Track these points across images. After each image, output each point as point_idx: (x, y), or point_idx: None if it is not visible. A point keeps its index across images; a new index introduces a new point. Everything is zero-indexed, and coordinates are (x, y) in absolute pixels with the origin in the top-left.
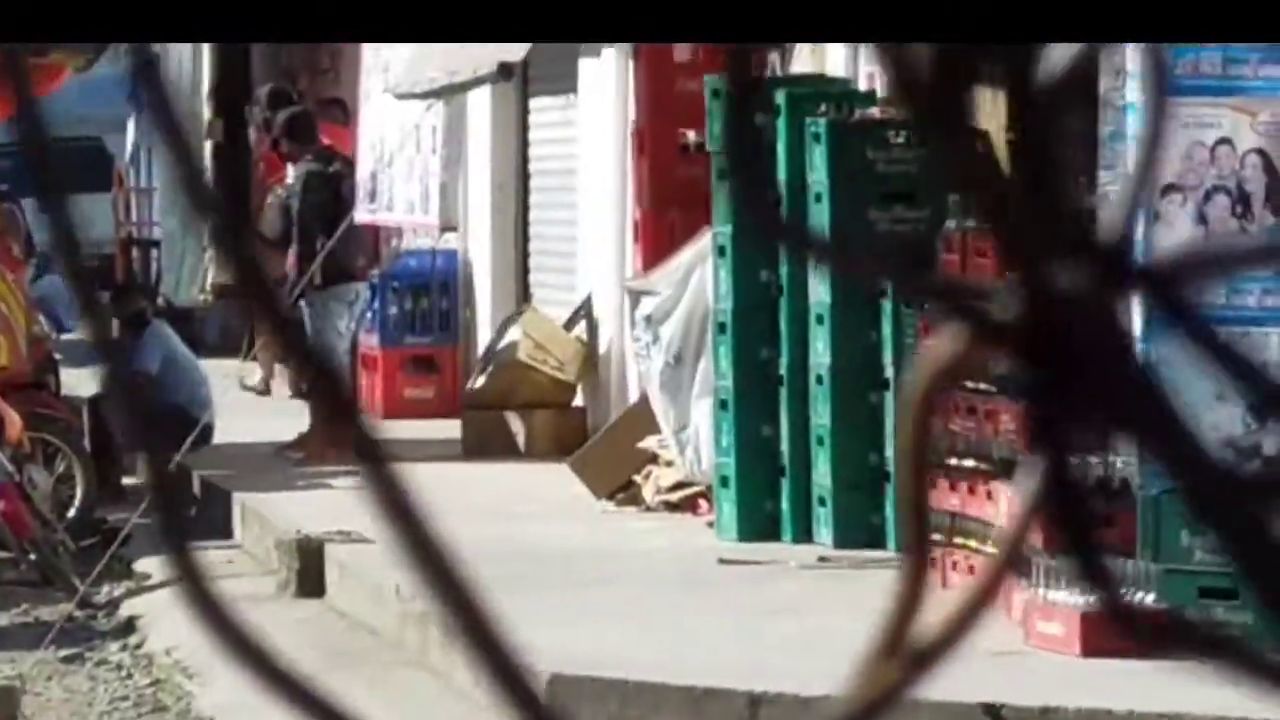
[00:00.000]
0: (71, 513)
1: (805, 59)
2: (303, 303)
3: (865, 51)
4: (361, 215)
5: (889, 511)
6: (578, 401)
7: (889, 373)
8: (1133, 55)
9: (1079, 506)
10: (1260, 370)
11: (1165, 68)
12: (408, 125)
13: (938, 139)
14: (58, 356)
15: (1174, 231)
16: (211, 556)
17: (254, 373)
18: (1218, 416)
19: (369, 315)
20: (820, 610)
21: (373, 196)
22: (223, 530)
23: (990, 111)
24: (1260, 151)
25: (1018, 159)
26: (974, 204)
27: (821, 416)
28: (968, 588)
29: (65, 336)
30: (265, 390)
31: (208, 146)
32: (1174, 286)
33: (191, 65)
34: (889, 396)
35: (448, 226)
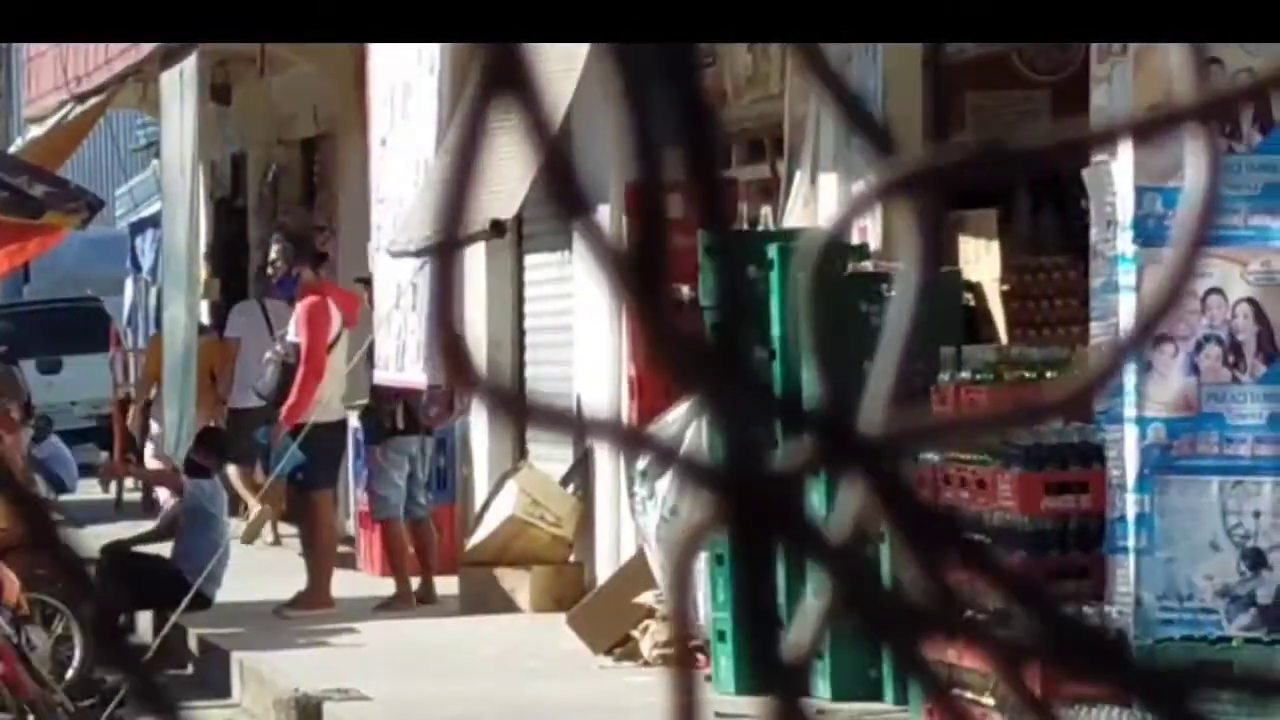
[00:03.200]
0: (70, 673)
1: (798, 213)
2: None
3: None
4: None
5: (886, 666)
6: (574, 557)
7: (884, 526)
8: (1123, 207)
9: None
10: (982, 551)
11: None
12: (404, 284)
13: (644, 320)
14: (57, 518)
15: (1167, 382)
16: (211, 716)
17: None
18: (1212, 565)
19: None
20: None
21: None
22: (222, 689)
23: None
24: (1251, 300)
25: (718, 332)
26: (676, 376)
27: (817, 571)
28: None
29: (65, 497)
30: (275, 541)
31: (204, 305)
32: (887, 457)
33: (188, 231)
34: (884, 549)
35: (435, 386)
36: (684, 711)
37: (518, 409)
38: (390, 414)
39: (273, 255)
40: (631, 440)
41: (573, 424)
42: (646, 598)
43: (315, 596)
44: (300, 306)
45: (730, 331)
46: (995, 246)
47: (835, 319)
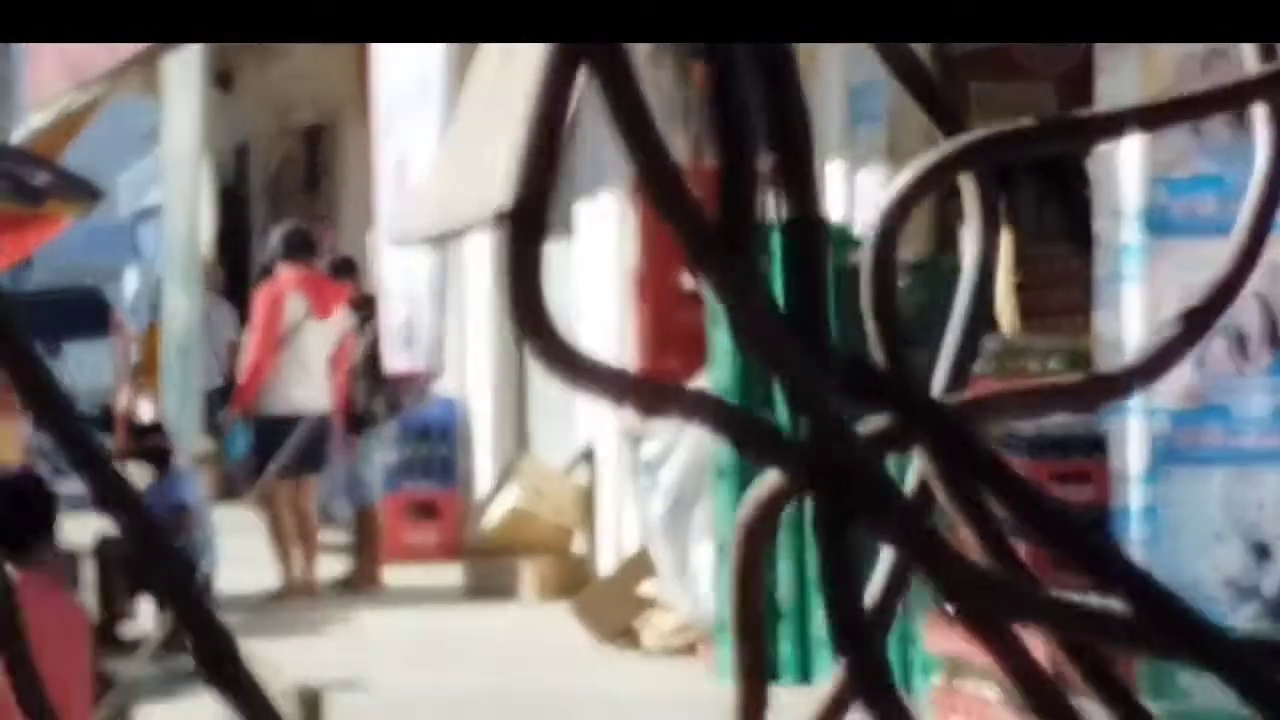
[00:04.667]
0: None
1: None
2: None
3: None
4: (399, 363)
5: (892, 653)
6: (578, 547)
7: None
8: (1128, 197)
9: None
10: (1054, 514)
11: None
12: (411, 272)
13: (725, 297)
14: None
15: (1171, 373)
16: (210, 706)
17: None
18: (1216, 556)
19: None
20: None
21: (408, 344)
22: None
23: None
24: (1257, 292)
25: (789, 306)
26: (755, 352)
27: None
28: None
29: (66, 486)
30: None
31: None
32: (964, 426)
33: (189, 220)
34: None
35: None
36: (752, 685)
37: (621, 388)
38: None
39: (267, 249)
40: (728, 418)
41: (674, 403)
42: (650, 587)
43: (288, 586)
44: (257, 296)
45: (807, 305)
46: (1001, 234)
47: (841, 310)
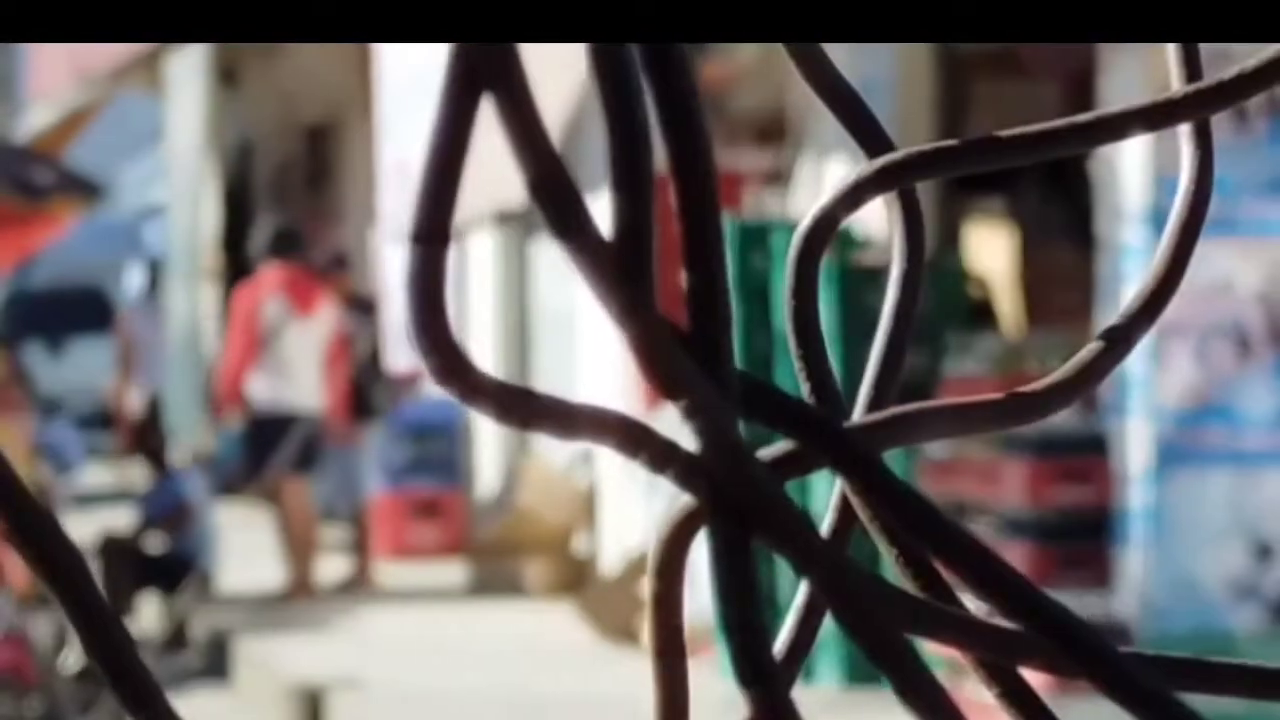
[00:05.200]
0: (71, 660)
1: (805, 202)
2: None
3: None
4: (402, 361)
5: None
6: (580, 545)
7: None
8: (1131, 196)
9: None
10: (954, 534)
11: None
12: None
13: (618, 317)
14: (61, 500)
15: (1175, 372)
16: (212, 703)
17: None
18: (1219, 556)
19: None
20: None
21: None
22: (224, 677)
23: (990, 252)
24: (1260, 291)
25: (695, 324)
26: (651, 376)
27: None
28: None
29: (71, 485)
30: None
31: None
32: (864, 448)
33: (194, 217)
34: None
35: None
36: (671, 703)
37: (523, 410)
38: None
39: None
40: (637, 439)
41: (580, 424)
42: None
43: (293, 586)
44: (235, 297)
45: (707, 323)
46: (1003, 235)
47: (843, 311)
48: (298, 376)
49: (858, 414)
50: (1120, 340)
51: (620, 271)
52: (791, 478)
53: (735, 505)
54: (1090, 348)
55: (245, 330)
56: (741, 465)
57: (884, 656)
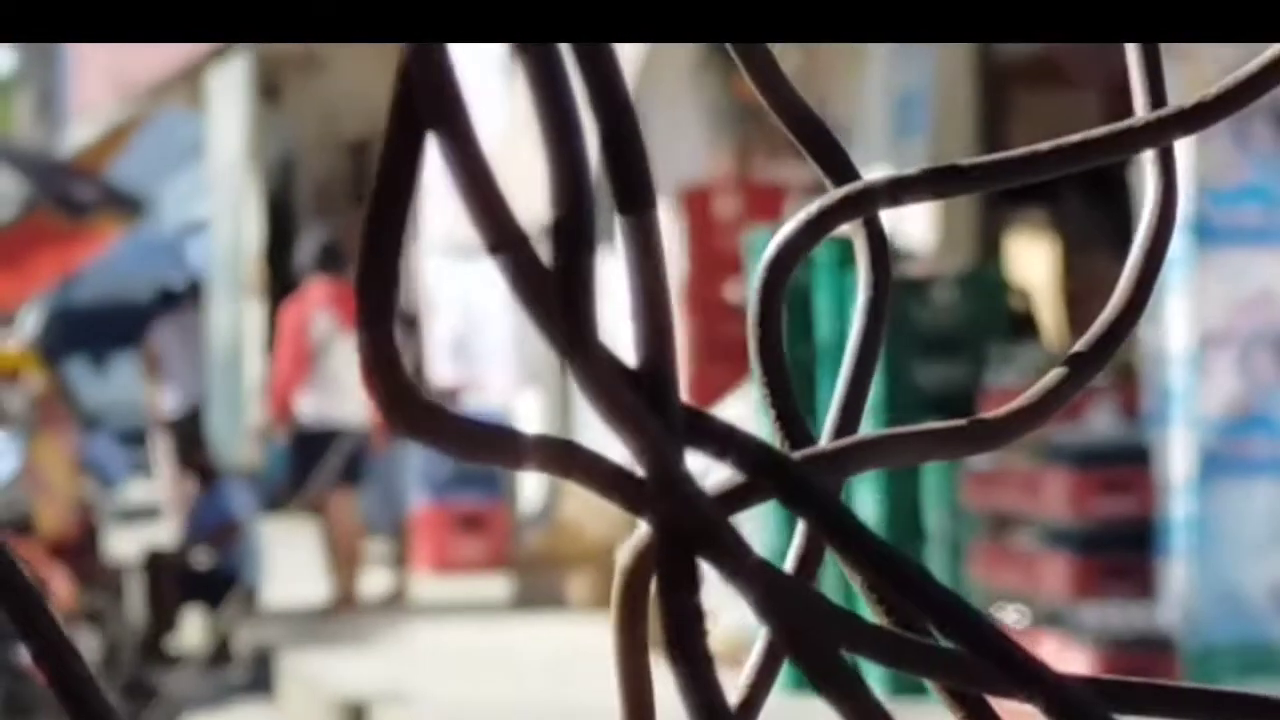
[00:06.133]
0: (119, 676)
1: None
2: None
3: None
4: (447, 374)
5: None
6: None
7: (931, 525)
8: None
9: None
10: (898, 563)
11: None
12: (458, 284)
13: (559, 345)
14: (105, 516)
15: (1217, 382)
16: (256, 718)
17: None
18: (1263, 566)
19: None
20: None
21: (456, 356)
22: (269, 692)
23: (1032, 262)
24: None
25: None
26: (596, 406)
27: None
28: None
29: (115, 500)
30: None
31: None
32: (809, 479)
33: (236, 233)
34: (928, 548)
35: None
36: (636, 700)
37: (493, 448)
38: None
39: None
40: (582, 467)
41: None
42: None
43: (338, 600)
44: (283, 312)
45: (652, 353)
46: (1045, 245)
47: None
48: (345, 391)
49: (823, 440)
50: (1084, 367)
51: (562, 302)
52: (740, 510)
53: (680, 534)
54: (1053, 374)
55: (294, 345)
56: (685, 495)
57: (819, 673)
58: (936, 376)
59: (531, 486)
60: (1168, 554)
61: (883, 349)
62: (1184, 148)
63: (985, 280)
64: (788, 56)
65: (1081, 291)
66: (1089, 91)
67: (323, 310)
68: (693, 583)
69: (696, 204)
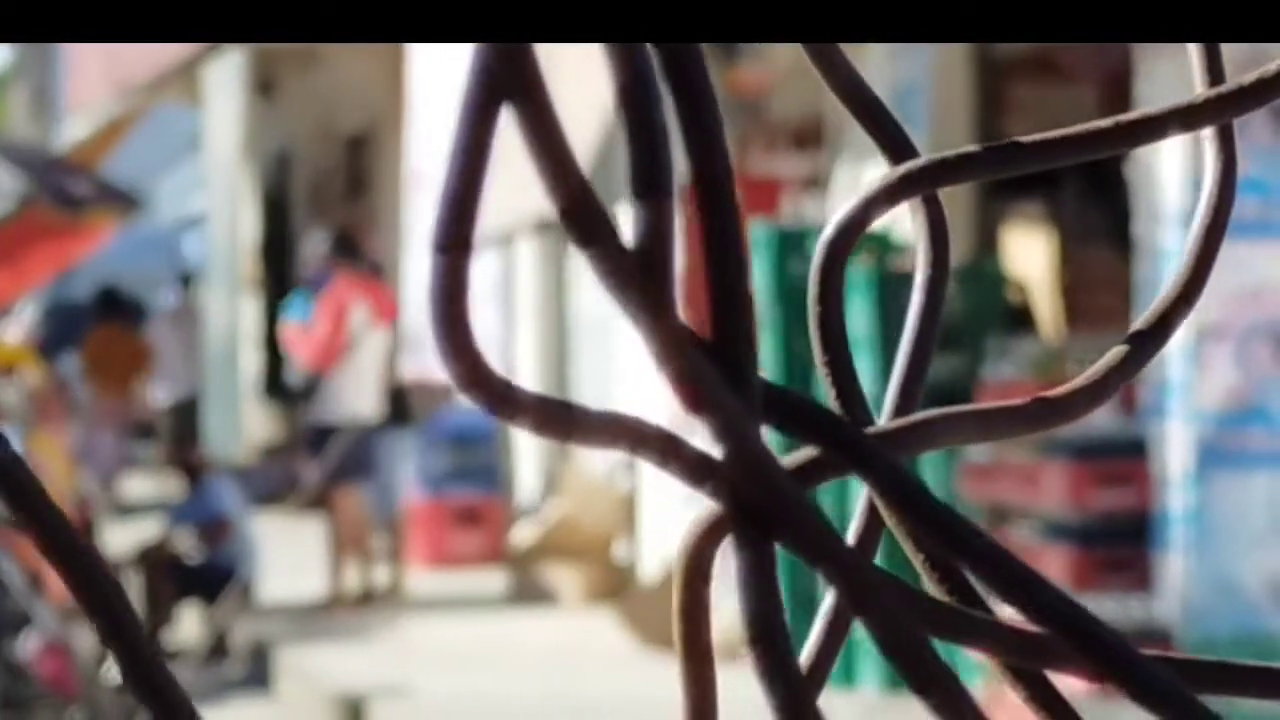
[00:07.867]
0: (114, 671)
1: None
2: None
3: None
4: (412, 367)
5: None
6: (621, 552)
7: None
8: (1169, 199)
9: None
10: (979, 541)
11: None
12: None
13: (640, 324)
14: (102, 510)
15: (1215, 374)
16: (254, 713)
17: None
18: (1261, 558)
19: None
20: None
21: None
22: (265, 686)
23: (1029, 255)
24: None
25: (717, 328)
26: (673, 385)
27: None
28: None
29: (111, 494)
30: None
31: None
32: (886, 455)
33: (232, 228)
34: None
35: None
36: (699, 710)
37: (564, 422)
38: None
39: (309, 252)
40: (661, 446)
41: (621, 433)
42: None
43: (338, 594)
44: (321, 300)
45: (729, 331)
46: (1042, 238)
47: (883, 316)
48: (360, 385)
49: (883, 419)
50: (1146, 344)
51: (642, 280)
52: (815, 484)
53: (758, 512)
54: (1115, 351)
55: (334, 331)
56: (764, 472)
57: (904, 659)
58: (934, 369)
59: (528, 481)
60: (1166, 546)
61: (880, 342)
62: (1179, 142)
63: (982, 273)
64: (780, 49)
65: (1078, 284)
66: (1085, 85)
67: (359, 302)
68: (770, 560)
69: (676, 200)
